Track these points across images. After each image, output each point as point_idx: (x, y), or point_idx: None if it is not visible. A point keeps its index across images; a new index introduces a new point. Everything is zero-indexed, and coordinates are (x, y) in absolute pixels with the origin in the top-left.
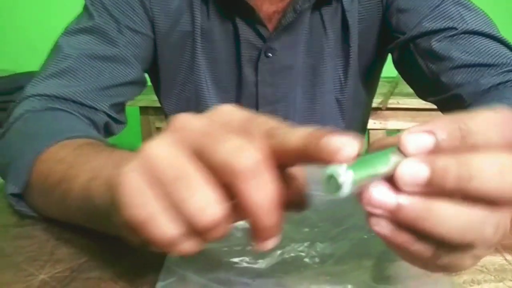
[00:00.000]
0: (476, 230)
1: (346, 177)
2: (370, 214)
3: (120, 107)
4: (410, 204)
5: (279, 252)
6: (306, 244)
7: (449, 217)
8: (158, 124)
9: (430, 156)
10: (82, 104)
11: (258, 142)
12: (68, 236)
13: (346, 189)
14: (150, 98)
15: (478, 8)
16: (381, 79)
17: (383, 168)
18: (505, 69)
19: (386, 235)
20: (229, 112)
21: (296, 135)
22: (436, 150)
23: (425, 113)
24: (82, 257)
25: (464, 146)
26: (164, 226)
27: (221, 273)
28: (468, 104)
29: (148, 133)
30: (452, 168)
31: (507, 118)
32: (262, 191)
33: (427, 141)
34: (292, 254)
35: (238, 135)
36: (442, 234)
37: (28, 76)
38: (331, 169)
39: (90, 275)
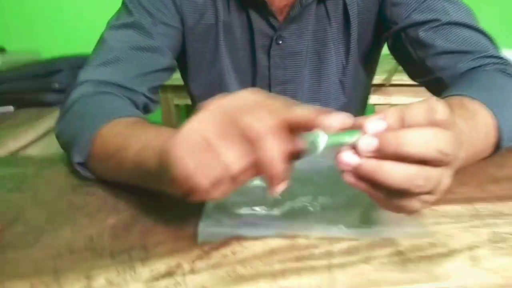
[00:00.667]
0: (411, 180)
1: (322, 140)
2: (342, 170)
3: (156, 89)
4: (367, 163)
5: (289, 203)
6: (310, 197)
7: (393, 171)
8: (176, 101)
9: (379, 133)
10: (126, 88)
11: (272, 113)
12: (124, 194)
13: (321, 147)
14: None
15: (461, 1)
16: (386, 57)
17: (348, 139)
18: (480, 55)
19: (353, 183)
20: (247, 94)
21: (305, 109)
22: (385, 131)
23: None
24: (138, 208)
25: (403, 127)
26: (208, 174)
27: (247, 218)
28: (448, 85)
29: (167, 110)
30: (391, 139)
31: (432, 105)
32: (274, 147)
33: (380, 125)
34: (299, 205)
35: (258, 109)
36: (389, 183)
37: (64, 60)
38: (314, 135)
39: (148, 220)
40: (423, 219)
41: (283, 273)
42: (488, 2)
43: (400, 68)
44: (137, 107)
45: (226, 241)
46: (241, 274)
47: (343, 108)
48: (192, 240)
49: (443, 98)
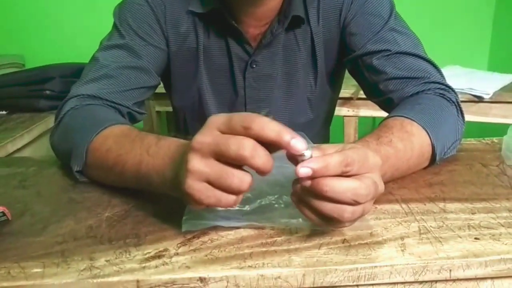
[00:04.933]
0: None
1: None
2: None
3: (140, 103)
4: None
5: (258, 201)
6: (276, 196)
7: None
8: (158, 108)
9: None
10: (112, 101)
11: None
12: (118, 191)
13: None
14: None
15: (411, 32)
16: None
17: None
18: (424, 81)
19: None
20: (217, 119)
21: (270, 130)
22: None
23: None
24: (130, 203)
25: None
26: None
27: (222, 212)
28: (396, 105)
29: (149, 116)
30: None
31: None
32: (261, 161)
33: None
34: (267, 202)
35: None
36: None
37: (55, 68)
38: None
39: (138, 213)
40: (366, 215)
41: (250, 255)
42: (449, 23)
43: None
44: (123, 116)
45: (205, 231)
46: (216, 256)
47: (311, 122)
48: (177, 230)
49: (389, 117)
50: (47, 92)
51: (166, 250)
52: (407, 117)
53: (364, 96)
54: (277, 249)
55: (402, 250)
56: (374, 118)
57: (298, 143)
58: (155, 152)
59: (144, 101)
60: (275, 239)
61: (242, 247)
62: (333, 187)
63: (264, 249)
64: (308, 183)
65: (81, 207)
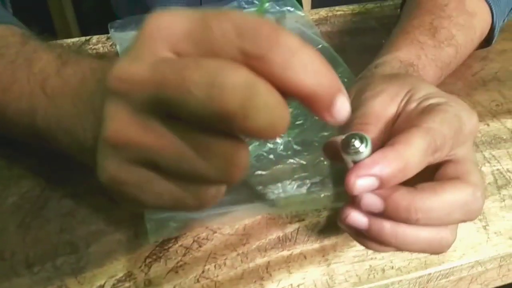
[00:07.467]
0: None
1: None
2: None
3: None
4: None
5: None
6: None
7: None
8: None
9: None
10: None
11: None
12: (31, 156)
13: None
14: None
15: None
16: None
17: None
18: None
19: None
20: (172, 23)
21: (308, 73)
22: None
23: None
24: (51, 177)
25: None
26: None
27: None
28: None
29: None
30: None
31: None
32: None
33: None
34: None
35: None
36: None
37: None
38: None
39: (67, 192)
40: None
41: (267, 269)
42: None
43: None
44: None
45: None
46: (214, 280)
47: None
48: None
49: None
50: None
51: (129, 275)
52: None
53: None
54: (304, 252)
55: (484, 227)
56: None
57: (346, 112)
58: (57, 89)
59: None
60: (296, 226)
61: (250, 253)
62: (429, 210)
63: (285, 252)
64: (377, 204)
65: None
